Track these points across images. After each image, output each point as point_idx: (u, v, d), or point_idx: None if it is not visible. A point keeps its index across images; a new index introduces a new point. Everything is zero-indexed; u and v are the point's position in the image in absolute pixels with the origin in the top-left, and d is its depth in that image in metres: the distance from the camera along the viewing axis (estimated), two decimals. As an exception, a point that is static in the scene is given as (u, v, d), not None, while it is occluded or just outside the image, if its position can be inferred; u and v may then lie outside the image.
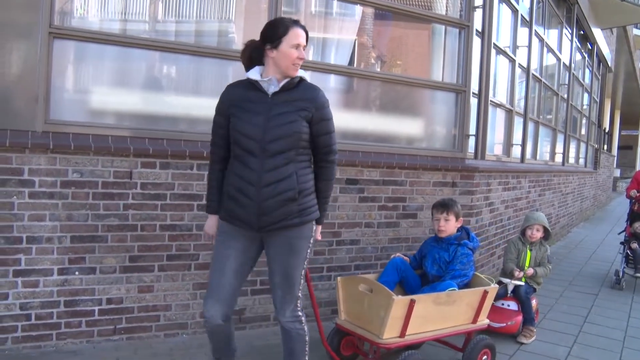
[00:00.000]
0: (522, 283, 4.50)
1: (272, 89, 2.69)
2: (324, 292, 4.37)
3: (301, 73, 2.74)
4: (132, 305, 3.66)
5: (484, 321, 3.67)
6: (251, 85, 2.71)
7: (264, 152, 2.62)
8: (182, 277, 3.78)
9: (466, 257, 3.70)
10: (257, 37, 2.78)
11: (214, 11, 4.19)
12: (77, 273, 3.49)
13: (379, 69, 5.12)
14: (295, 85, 2.73)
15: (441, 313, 3.40)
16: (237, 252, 2.74)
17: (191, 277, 3.80)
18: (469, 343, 3.57)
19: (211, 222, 2.90)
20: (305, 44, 2.71)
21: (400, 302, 3.16)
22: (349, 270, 4.46)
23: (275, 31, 2.67)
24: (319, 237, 2.96)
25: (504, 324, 4.30)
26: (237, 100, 2.70)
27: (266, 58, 2.71)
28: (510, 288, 4.51)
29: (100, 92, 3.70)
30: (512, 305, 4.43)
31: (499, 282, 4.61)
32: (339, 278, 3.54)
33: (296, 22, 2.71)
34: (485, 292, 3.56)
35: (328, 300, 4.36)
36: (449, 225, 3.80)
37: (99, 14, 3.72)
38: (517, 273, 4.52)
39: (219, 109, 2.77)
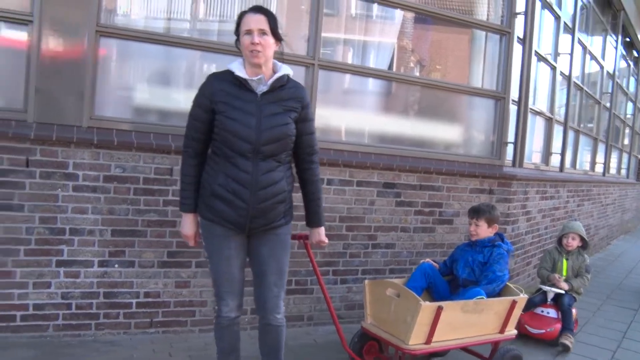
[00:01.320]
0: (563, 291, 4.48)
1: (261, 88, 2.60)
2: (358, 295, 4.38)
3: (286, 70, 2.67)
4: (168, 300, 3.74)
5: (511, 331, 3.59)
6: (237, 81, 2.59)
7: (257, 155, 2.56)
8: (217, 274, 3.84)
9: (502, 257, 3.64)
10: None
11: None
12: (116, 266, 3.58)
13: (418, 74, 5.11)
14: (282, 84, 2.64)
15: (468, 321, 3.35)
16: (236, 251, 2.69)
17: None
18: (496, 353, 3.51)
19: (189, 222, 2.71)
20: (261, 27, 2.52)
21: (427, 308, 3.13)
22: (383, 274, 4.46)
23: (236, 25, 2.63)
24: (326, 241, 2.96)
25: (543, 331, 4.34)
26: (224, 97, 2.57)
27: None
28: (550, 296, 4.51)
29: (143, 89, 3.80)
30: (552, 313, 4.44)
31: (538, 290, 4.64)
32: (366, 281, 3.53)
33: (251, 9, 2.60)
34: (514, 302, 3.48)
35: (362, 303, 4.35)
36: (480, 230, 3.75)
37: (143, 13, 3.81)
38: (557, 277, 4.55)
39: (201, 102, 2.61)
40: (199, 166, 2.67)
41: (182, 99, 3.88)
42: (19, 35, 3.33)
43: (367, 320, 3.49)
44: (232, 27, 4.12)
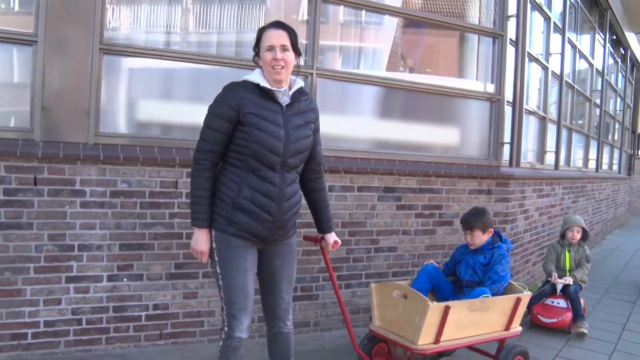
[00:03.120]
0: (570, 282, 4.76)
1: (285, 100, 2.61)
2: (363, 299, 4.43)
3: (300, 82, 2.68)
4: (177, 311, 3.78)
5: (517, 328, 3.68)
6: (260, 91, 2.55)
7: (283, 167, 2.58)
8: (225, 284, 3.88)
9: (503, 257, 3.71)
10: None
11: (252, 24, 4.31)
12: (125, 280, 3.62)
13: (414, 79, 5.17)
14: (299, 96, 2.67)
15: (475, 320, 3.43)
16: (251, 264, 2.64)
17: (234, 284, 3.89)
18: (502, 350, 3.59)
19: (204, 237, 2.59)
20: (283, 43, 2.52)
21: (435, 308, 3.21)
22: (386, 277, 4.51)
23: (256, 40, 2.61)
24: (340, 241, 3.02)
25: (555, 320, 4.63)
26: (253, 108, 2.51)
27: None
28: (559, 287, 4.80)
29: (146, 104, 3.84)
30: (562, 303, 4.74)
31: (546, 282, 4.92)
32: (372, 284, 3.59)
33: (272, 24, 2.59)
34: (519, 299, 3.57)
35: (366, 307, 4.42)
36: (476, 240, 3.78)
37: (144, 29, 3.86)
38: (554, 276, 4.81)
39: (224, 113, 2.50)
40: (212, 179, 2.58)
41: (185, 113, 3.94)
42: (24, 56, 3.37)
43: (374, 322, 3.55)
44: (230, 39, 4.27)
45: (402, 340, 3.32)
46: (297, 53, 2.62)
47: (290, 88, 2.64)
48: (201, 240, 2.60)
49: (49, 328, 3.44)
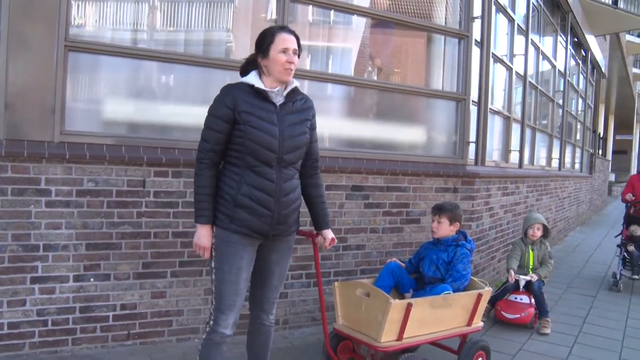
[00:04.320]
0: (534, 279, 4.90)
1: (279, 99, 2.74)
2: (330, 297, 4.45)
3: (295, 82, 2.79)
4: (145, 311, 3.75)
5: (478, 324, 3.76)
6: (255, 92, 2.69)
7: (280, 163, 2.69)
8: (194, 283, 3.88)
9: (465, 257, 3.79)
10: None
11: (220, 22, 4.31)
12: (92, 280, 3.58)
13: (380, 78, 5.23)
14: (294, 96, 2.80)
15: (437, 316, 3.49)
16: (246, 262, 2.73)
17: (203, 283, 3.89)
18: (464, 346, 3.66)
19: (206, 233, 2.69)
20: (295, 48, 2.69)
21: (397, 305, 3.24)
22: (355, 275, 4.56)
23: (264, 40, 2.71)
24: (335, 240, 3.09)
25: (518, 315, 4.73)
26: (248, 107, 2.64)
27: (261, 69, 2.74)
28: (522, 284, 4.91)
29: (113, 103, 3.80)
30: (525, 299, 4.84)
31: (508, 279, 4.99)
32: (335, 283, 3.62)
33: (284, 28, 2.77)
34: (480, 295, 3.65)
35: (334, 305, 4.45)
36: (442, 228, 3.86)
37: (110, 27, 3.81)
38: (510, 276, 4.92)
39: (222, 113, 2.64)
40: (214, 178, 2.69)
41: (152, 111, 3.92)
42: (-14, 53, 3.31)
43: (338, 321, 3.59)
44: (198, 37, 4.25)
45: (365, 338, 3.36)
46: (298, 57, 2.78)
47: (285, 88, 2.76)
48: (204, 236, 2.69)
49: (13, 330, 3.38)
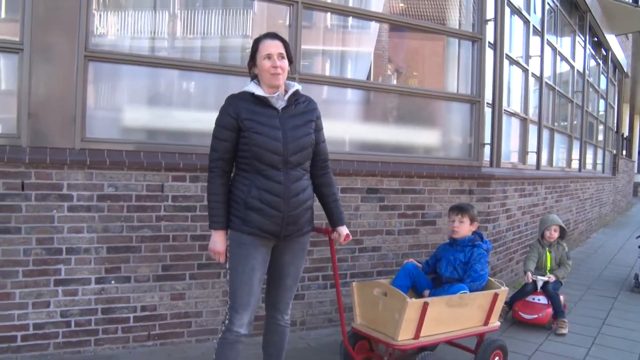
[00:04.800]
0: (552, 280, 4.88)
1: (280, 104, 2.82)
2: (348, 298, 4.49)
3: (297, 86, 2.89)
4: (165, 312, 3.84)
5: (495, 323, 3.79)
6: (256, 99, 2.79)
7: (286, 165, 2.77)
8: (212, 285, 3.96)
9: (482, 257, 3.82)
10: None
11: (237, 29, 4.40)
12: (113, 282, 3.68)
13: (395, 82, 5.29)
14: (296, 99, 2.88)
15: (454, 315, 3.53)
16: (260, 263, 2.81)
17: (220, 285, 3.97)
18: (481, 345, 3.69)
19: (220, 239, 2.80)
20: (280, 52, 2.76)
21: (414, 304, 3.30)
22: (371, 276, 4.60)
23: (251, 50, 2.85)
24: (350, 236, 3.16)
25: (536, 316, 4.74)
26: (249, 114, 2.74)
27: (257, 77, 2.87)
28: (539, 284, 4.91)
29: (132, 110, 3.92)
30: (542, 299, 4.84)
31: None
32: (353, 283, 3.69)
33: (267, 35, 2.84)
34: (496, 295, 3.68)
35: (351, 306, 4.49)
36: (463, 227, 3.92)
37: (129, 36, 3.94)
38: (527, 277, 4.92)
39: (226, 123, 2.76)
40: (226, 185, 2.81)
41: (169, 118, 4.02)
42: (11, 63, 3.45)
43: (356, 320, 3.65)
44: (214, 45, 4.35)
45: (383, 337, 3.41)
46: (290, 61, 2.87)
47: (286, 92, 2.86)
48: (218, 241, 2.81)
49: (38, 330, 3.50)
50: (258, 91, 2.79)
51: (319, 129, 2.99)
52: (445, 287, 3.76)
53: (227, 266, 2.83)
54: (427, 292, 3.84)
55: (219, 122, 2.81)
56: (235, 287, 2.79)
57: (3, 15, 3.67)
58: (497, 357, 3.70)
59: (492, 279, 3.91)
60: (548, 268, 5.08)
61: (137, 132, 3.91)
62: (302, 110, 2.89)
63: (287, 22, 4.37)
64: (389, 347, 3.42)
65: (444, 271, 3.91)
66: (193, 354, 3.78)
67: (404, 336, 3.33)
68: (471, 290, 3.65)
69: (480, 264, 3.80)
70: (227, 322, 2.80)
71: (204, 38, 4.25)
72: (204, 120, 4.06)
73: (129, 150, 3.70)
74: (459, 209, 3.96)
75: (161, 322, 3.84)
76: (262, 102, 2.80)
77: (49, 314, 3.53)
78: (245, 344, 2.87)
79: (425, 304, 3.32)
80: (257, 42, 2.83)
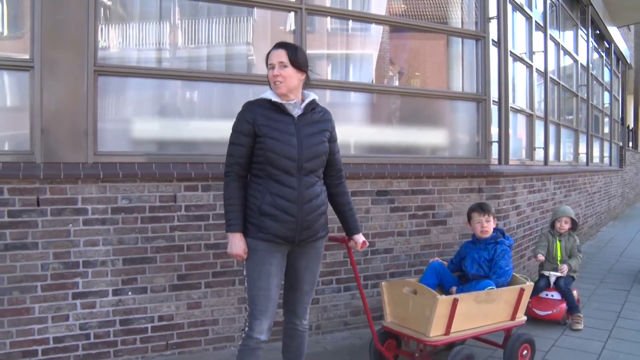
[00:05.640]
0: (565, 272, 4.89)
1: (296, 111, 2.88)
2: (359, 301, 4.53)
3: (313, 96, 2.95)
4: (182, 321, 3.88)
5: (521, 318, 3.85)
6: (273, 106, 2.84)
7: (300, 171, 2.81)
8: (227, 293, 3.99)
9: (506, 253, 3.90)
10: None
11: (240, 37, 4.44)
12: (130, 293, 3.72)
13: (400, 83, 5.31)
14: (312, 108, 2.94)
15: (482, 311, 3.60)
16: (276, 269, 2.85)
17: (236, 292, 4.00)
18: (509, 339, 3.73)
19: (237, 241, 2.80)
20: (280, 60, 2.81)
21: (444, 301, 3.38)
22: (384, 278, 4.62)
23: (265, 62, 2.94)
24: (367, 243, 3.21)
25: (550, 312, 4.75)
26: (266, 120, 2.80)
27: None
28: (552, 280, 4.91)
29: (142, 122, 3.96)
30: (556, 295, 4.86)
31: (541, 275, 5.01)
32: (383, 283, 3.76)
33: (274, 46, 2.90)
34: (522, 290, 3.74)
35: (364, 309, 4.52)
36: (490, 226, 4.01)
37: (136, 49, 3.99)
38: (538, 257, 4.98)
39: (243, 128, 2.81)
40: (242, 189, 2.84)
41: (179, 128, 4.06)
42: (22, 81, 3.49)
43: (387, 319, 3.72)
44: (219, 53, 4.40)
45: (414, 334, 3.49)
46: (299, 68, 2.87)
47: (303, 101, 2.91)
48: (234, 244, 2.82)
49: (58, 344, 3.54)
50: (275, 98, 2.84)
51: (333, 140, 3.03)
52: (472, 284, 3.82)
53: (245, 273, 2.87)
54: (454, 288, 3.89)
55: (235, 128, 2.86)
56: (253, 294, 2.82)
57: (13, 34, 3.72)
58: (525, 351, 3.75)
59: (517, 274, 3.98)
60: (559, 258, 5.06)
61: (148, 143, 3.95)
62: (318, 120, 2.95)
63: (291, 28, 4.40)
64: (420, 344, 3.49)
65: (469, 269, 3.98)
66: (211, 362, 3.81)
67: (436, 332, 3.40)
68: (497, 286, 3.72)
69: (504, 260, 3.88)
70: (246, 329, 2.83)
71: (208, 47, 4.30)
72: (213, 129, 4.12)
73: (141, 162, 3.73)
74: (482, 210, 4.02)
75: (178, 331, 3.87)
76: (279, 108, 2.85)
77: (69, 327, 3.56)
78: (264, 350, 2.89)
79: (455, 300, 3.40)
80: (267, 53, 2.91)
